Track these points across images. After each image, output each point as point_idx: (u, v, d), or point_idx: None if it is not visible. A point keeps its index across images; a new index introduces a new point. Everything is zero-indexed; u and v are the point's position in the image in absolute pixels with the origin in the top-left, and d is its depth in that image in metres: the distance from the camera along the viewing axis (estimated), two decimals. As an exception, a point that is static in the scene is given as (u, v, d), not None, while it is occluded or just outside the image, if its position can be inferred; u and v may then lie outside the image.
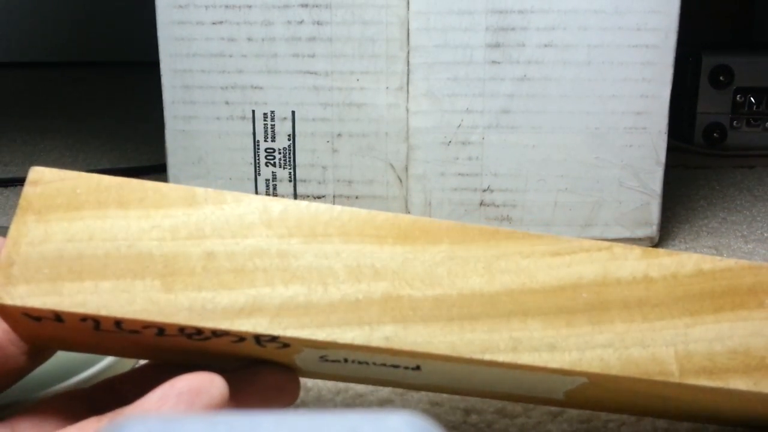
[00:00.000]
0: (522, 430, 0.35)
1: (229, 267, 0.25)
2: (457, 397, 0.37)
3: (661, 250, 0.28)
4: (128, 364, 0.39)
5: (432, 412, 0.36)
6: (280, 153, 0.56)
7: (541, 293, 0.27)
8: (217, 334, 0.25)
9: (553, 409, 0.36)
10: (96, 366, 0.36)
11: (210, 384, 0.24)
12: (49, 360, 0.30)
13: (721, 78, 0.85)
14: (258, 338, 0.25)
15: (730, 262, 0.29)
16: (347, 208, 0.27)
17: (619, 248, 0.28)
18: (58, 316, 0.25)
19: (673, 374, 0.26)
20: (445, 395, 0.37)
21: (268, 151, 0.56)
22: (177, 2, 0.54)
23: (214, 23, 0.54)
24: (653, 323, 0.27)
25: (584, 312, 0.27)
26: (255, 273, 0.25)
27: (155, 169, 0.77)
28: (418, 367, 0.27)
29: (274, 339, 0.25)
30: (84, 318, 0.25)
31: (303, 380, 0.38)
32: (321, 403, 0.37)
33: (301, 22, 0.53)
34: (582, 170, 0.55)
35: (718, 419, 0.32)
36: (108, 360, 0.37)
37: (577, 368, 0.26)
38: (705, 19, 1.15)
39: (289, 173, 0.56)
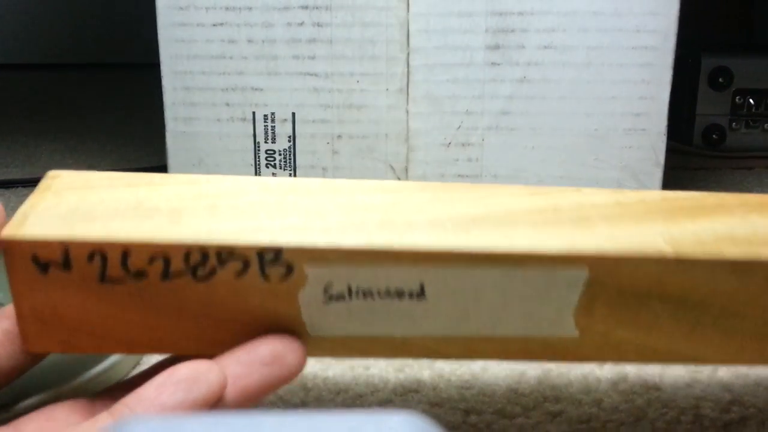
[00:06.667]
0: (521, 431, 0.35)
1: (231, 213, 0.28)
2: (456, 397, 0.37)
3: (626, 190, 0.32)
4: (129, 367, 0.39)
5: (432, 412, 0.36)
6: (280, 154, 0.56)
7: (526, 213, 0.29)
8: (222, 257, 0.26)
9: (552, 409, 0.37)
10: (98, 366, 0.36)
11: (207, 372, 0.24)
12: (50, 361, 0.30)
13: (720, 80, 0.86)
14: (262, 265, 0.26)
15: (693, 192, 0.32)
16: (338, 179, 0.31)
17: (588, 189, 0.32)
18: (66, 259, 0.26)
19: (669, 252, 0.28)
20: (444, 396, 0.37)
21: (268, 152, 0.56)
22: (177, 4, 0.54)
23: (214, 25, 0.54)
24: (636, 226, 0.29)
25: (568, 223, 0.29)
26: (256, 213, 0.28)
27: (156, 170, 0.77)
28: (422, 292, 0.28)
29: (277, 257, 0.26)
30: (92, 254, 0.26)
31: (303, 380, 0.38)
32: (321, 403, 0.37)
33: (302, 23, 0.54)
34: (581, 171, 0.55)
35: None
36: (109, 361, 0.37)
37: (574, 252, 0.27)
38: (704, 20, 1.15)
39: (290, 174, 0.56)
